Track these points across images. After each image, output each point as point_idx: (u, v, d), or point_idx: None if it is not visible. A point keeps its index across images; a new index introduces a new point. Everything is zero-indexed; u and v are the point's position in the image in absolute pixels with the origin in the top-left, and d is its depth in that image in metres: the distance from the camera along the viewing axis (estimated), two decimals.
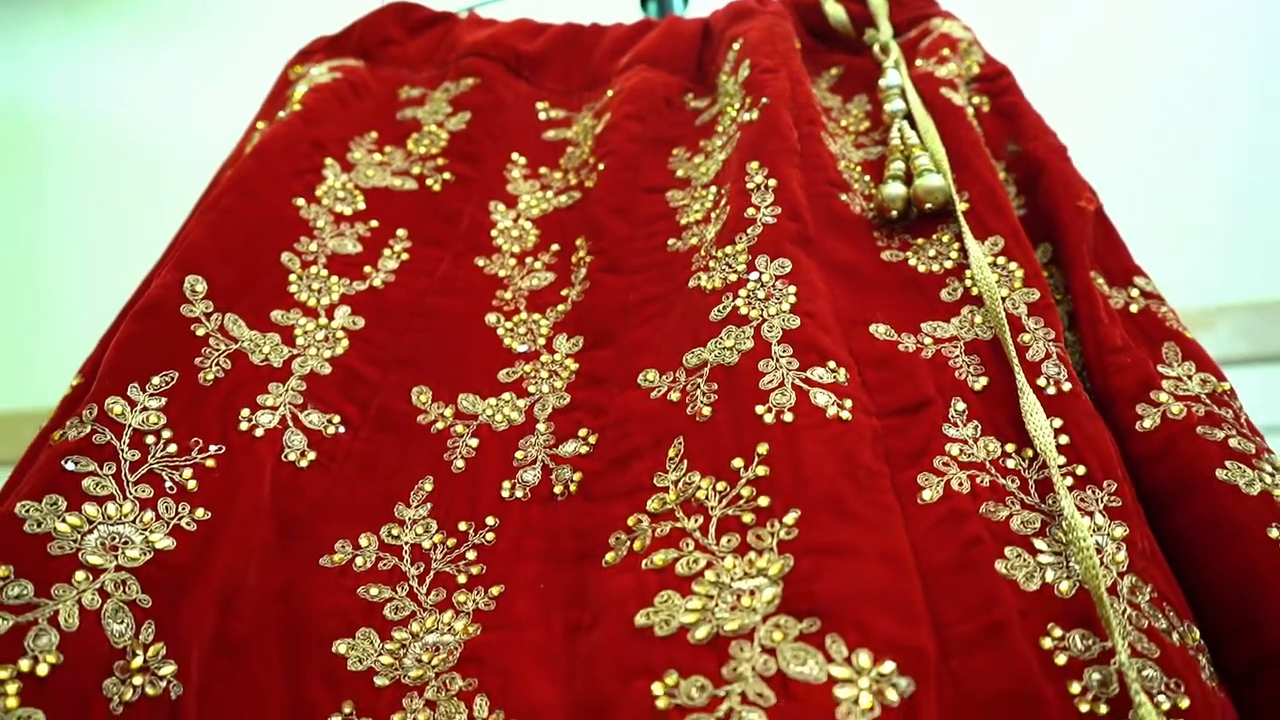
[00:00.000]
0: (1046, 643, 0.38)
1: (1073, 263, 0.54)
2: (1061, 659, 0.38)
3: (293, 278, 0.55)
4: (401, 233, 0.60)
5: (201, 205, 0.59)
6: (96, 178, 1.19)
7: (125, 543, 0.42)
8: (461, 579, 0.46)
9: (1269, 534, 0.42)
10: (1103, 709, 0.36)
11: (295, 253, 0.56)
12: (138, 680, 0.40)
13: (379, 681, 0.43)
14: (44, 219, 1.21)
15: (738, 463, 0.43)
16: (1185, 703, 0.36)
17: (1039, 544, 0.41)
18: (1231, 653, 0.41)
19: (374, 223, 0.59)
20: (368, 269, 0.57)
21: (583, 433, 0.50)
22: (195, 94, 1.21)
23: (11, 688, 0.37)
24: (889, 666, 0.36)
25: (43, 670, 0.38)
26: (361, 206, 0.60)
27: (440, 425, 0.52)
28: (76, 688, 0.38)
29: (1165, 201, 1.11)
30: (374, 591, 0.46)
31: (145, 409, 0.46)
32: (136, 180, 1.18)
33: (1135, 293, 0.54)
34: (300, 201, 0.58)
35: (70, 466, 0.44)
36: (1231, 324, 1.12)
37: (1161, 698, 0.37)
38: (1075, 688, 0.37)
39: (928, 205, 0.54)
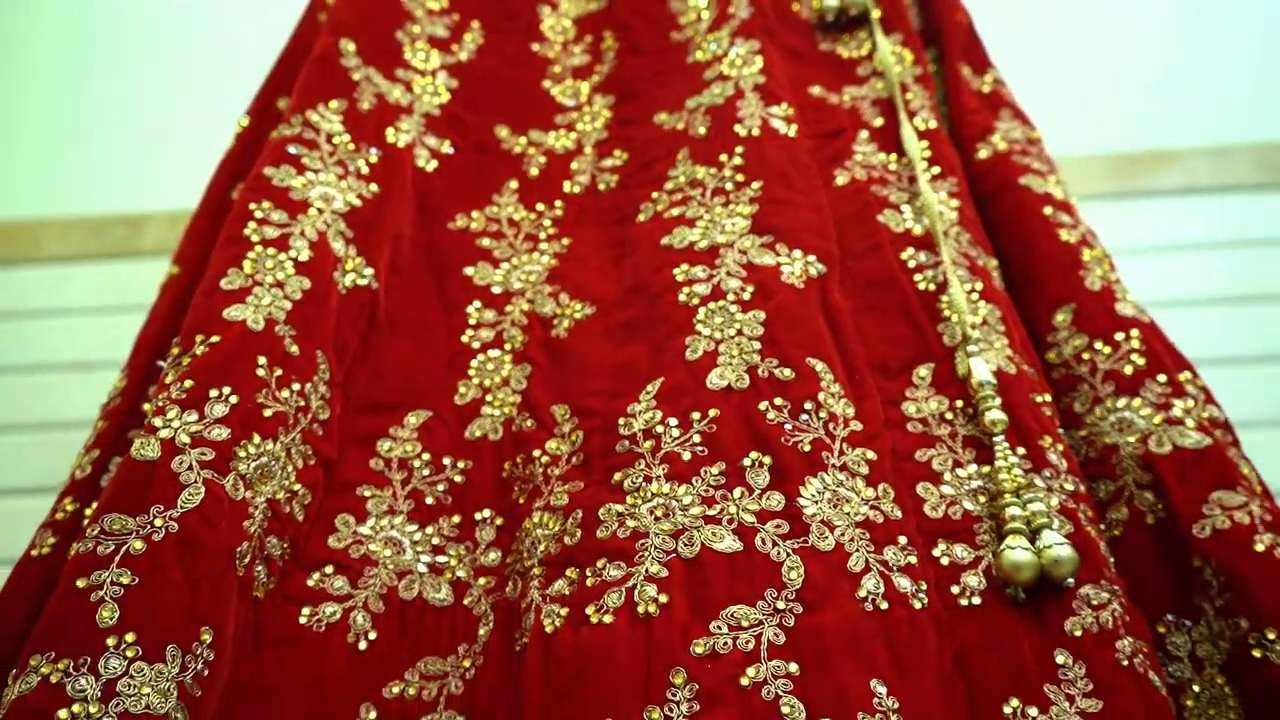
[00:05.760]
0: (904, 255, 0.65)
1: (948, 58, 0.79)
2: (912, 264, 0.64)
3: (405, 49, 0.78)
4: (475, 24, 0.82)
5: None
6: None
7: (333, 198, 0.66)
8: (542, 235, 0.71)
9: (1044, 211, 0.69)
10: (932, 287, 0.63)
11: (405, 31, 0.78)
12: (351, 276, 0.65)
13: (495, 290, 0.68)
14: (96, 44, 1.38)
15: (724, 158, 0.68)
16: (980, 286, 0.64)
17: (904, 209, 0.67)
18: (1016, 274, 0.68)
19: (456, 16, 0.82)
20: (455, 47, 0.80)
21: (617, 153, 0.74)
22: None
23: (288, 264, 0.61)
24: (812, 258, 0.62)
25: (303, 258, 0.62)
26: (446, 5, 0.82)
27: (518, 149, 0.76)
28: (322, 271, 0.63)
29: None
30: (485, 242, 0.71)
31: (330, 120, 0.70)
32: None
33: (989, 79, 0.80)
34: None
35: (292, 150, 0.67)
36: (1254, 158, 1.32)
37: (967, 285, 0.64)
38: (918, 277, 0.64)
39: (853, 12, 0.79)
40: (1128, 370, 0.60)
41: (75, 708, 0.43)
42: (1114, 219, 1.26)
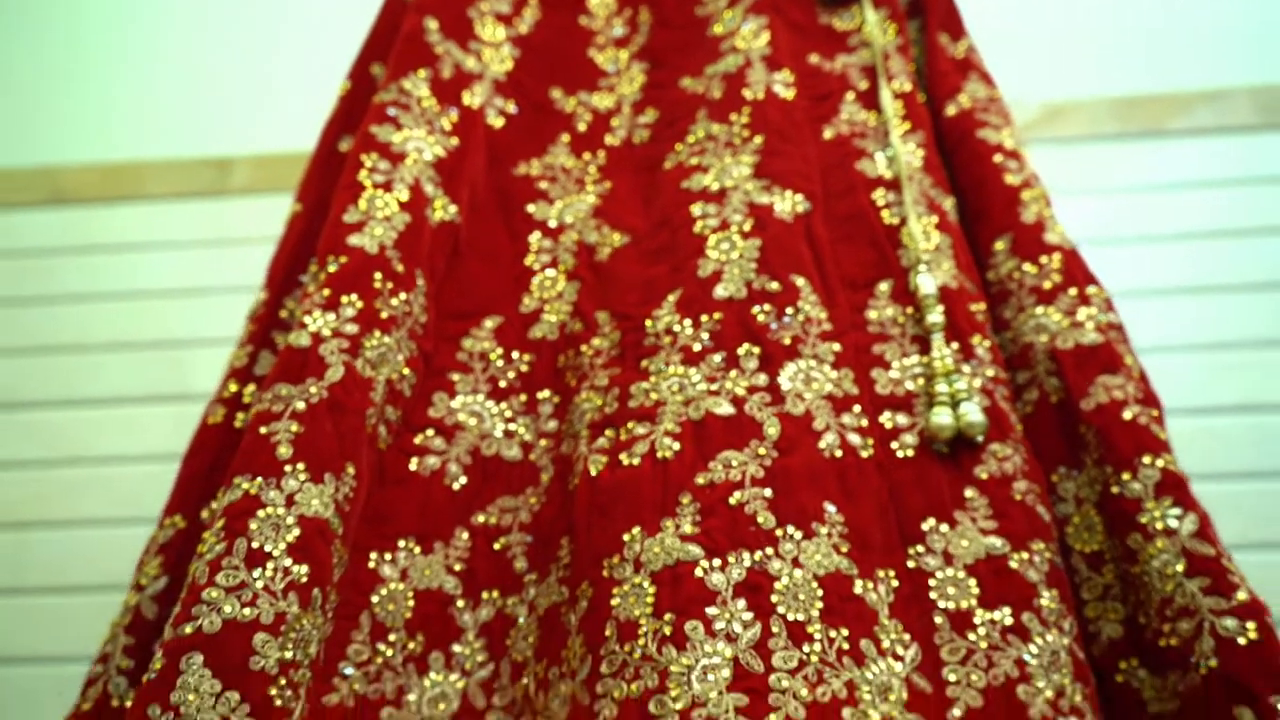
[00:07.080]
0: (874, 195, 0.81)
1: (929, 28, 0.95)
2: (881, 202, 0.81)
3: (475, 24, 0.95)
4: (534, 1, 0.99)
5: None
6: None
7: (424, 150, 0.84)
8: (588, 179, 0.89)
9: (994, 159, 0.85)
10: (896, 221, 0.80)
11: (476, 9, 0.95)
12: (439, 213, 0.83)
13: (550, 223, 0.86)
14: None
15: (734, 116, 0.85)
16: (935, 220, 0.80)
17: (878, 157, 0.84)
18: (969, 210, 0.84)
19: None
20: (516, 21, 0.97)
21: (649, 111, 0.91)
22: None
23: (393, 203, 0.79)
24: (800, 197, 0.79)
25: (404, 198, 0.80)
26: None
27: (568, 108, 0.93)
28: (418, 209, 0.81)
29: None
30: (543, 185, 0.88)
31: (419, 87, 0.87)
32: None
33: (963, 46, 0.95)
34: None
35: (391, 112, 0.85)
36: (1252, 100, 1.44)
37: (924, 219, 0.80)
38: (885, 213, 0.80)
39: None
40: (1047, 285, 0.77)
41: (269, 509, 0.63)
42: (1119, 159, 1.40)
